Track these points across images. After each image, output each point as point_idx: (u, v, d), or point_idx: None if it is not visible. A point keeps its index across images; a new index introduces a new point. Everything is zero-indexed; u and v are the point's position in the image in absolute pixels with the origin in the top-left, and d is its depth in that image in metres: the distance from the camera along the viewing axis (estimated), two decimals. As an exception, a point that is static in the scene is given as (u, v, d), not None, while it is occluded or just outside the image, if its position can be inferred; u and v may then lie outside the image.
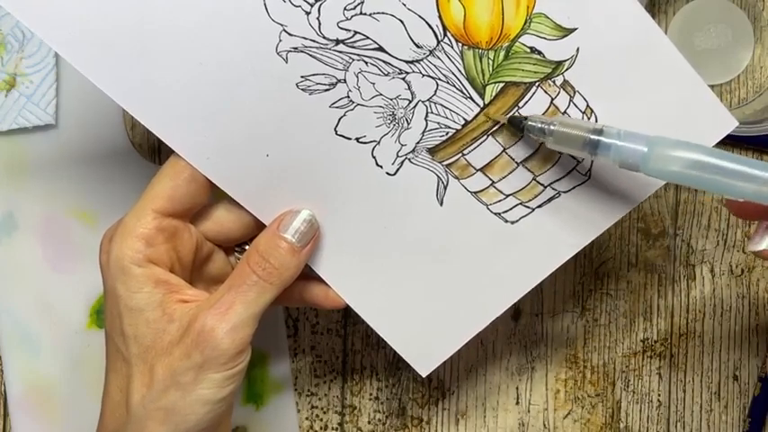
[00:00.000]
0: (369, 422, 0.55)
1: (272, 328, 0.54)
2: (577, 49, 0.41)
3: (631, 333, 0.55)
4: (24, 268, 0.53)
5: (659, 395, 0.55)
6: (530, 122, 0.40)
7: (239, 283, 0.40)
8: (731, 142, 0.54)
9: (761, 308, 0.55)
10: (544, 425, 0.55)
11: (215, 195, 0.42)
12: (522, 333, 0.55)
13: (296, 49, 0.39)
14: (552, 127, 0.40)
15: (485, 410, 0.55)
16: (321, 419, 0.55)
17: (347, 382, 0.55)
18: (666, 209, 0.54)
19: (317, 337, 0.55)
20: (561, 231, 0.44)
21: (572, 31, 0.40)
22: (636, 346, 0.55)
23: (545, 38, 0.40)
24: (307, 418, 0.55)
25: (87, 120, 0.53)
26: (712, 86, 0.55)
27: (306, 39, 0.39)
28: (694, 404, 0.55)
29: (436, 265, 0.44)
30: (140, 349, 0.39)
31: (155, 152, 0.53)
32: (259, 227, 0.43)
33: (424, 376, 0.46)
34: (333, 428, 0.55)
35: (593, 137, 0.39)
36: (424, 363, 0.45)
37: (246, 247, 0.44)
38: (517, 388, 0.55)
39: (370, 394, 0.55)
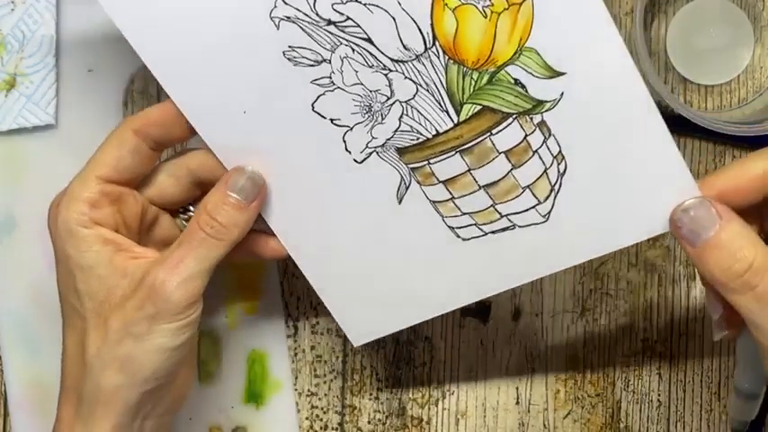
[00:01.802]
0: (369, 422, 0.55)
1: (272, 328, 0.54)
2: (561, 94, 0.40)
3: (631, 333, 0.55)
4: (24, 268, 0.53)
5: (659, 395, 0.55)
6: None
7: (189, 239, 0.41)
8: (732, 142, 0.54)
9: (761, 308, 0.55)
10: (544, 425, 0.55)
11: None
12: (522, 333, 0.55)
13: (289, 18, 0.40)
14: None
15: (485, 410, 0.55)
16: (321, 419, 0.55)
17: (347, 382, 0.55)
18: (666, 209, 0.54)
19: (316, 337, 0.55)
20: (510, 261, 0.44)
21: (560, 74, 0.40)
22: (636, 346, 0.55)
23: (532, 74, 0.40)
24: (307, 418, 0.55)
25: (87, 120, 0.53)
26: (712, 86, 0.55)
27: (300, 11, 0.40)
28: (694, 404, 0.55)
29: (385, 254, 0.45)
30: (94, 304, 0.41)
31: (155, 152, 0.53)
32: (200, 190, 0.45)
33: (356, 346, 0.48)
34: (333, 428, 0.55)
35: None
36: (358, 334, 0.47)
37: (191, 208, 0.46)
38: (517, 388, 0.55)
39: (370, 394, 0.55)
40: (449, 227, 0.44)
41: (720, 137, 0.53)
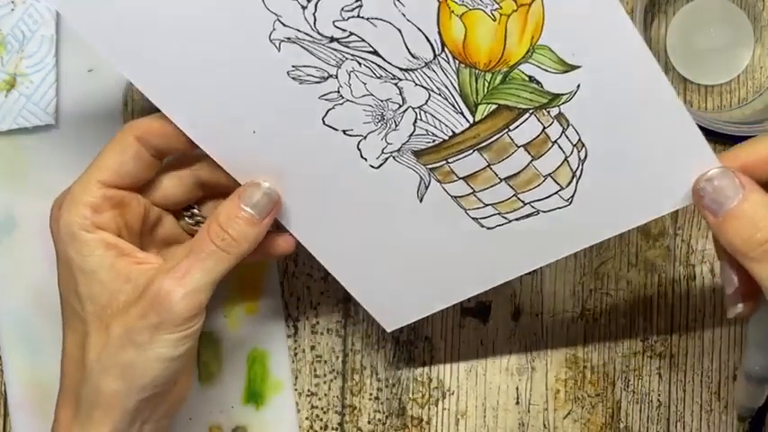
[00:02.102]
0: (369, 422, 0.55)
1: (272, 328, 0.54)
2: (578, 86, 0.40)
3: (631, 333, 0.55)
4: (24, 268, 0.53)
5: (659, 395, 0.55)
6: None
7: (198, 250, 0.41)
8: (732, 142, 0.54)
9: (761, 308, 0.55)
10: (544, 425, 0.55)
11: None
12: (522, 333, 0.55)
13: (289, 39, 0.39)
14: None
15: (485, 410, 0.55)
16: (321, 419, 0.55)
17: (347, 382, 0.55)
18: (666, 209, 0.54)
19: (316, 337, 0.55)
20: (535, 245, 0.44)
21: (575, 67, 0.39)
22: (636, 346, 0.55)
23: (546, 70, 0.39)
24: (307, 418, 0.55)
25: (87, 120, 0.53)
26: (712, 86, 0.55)
27: (300, 31, 0.39)
28: (694, 404, 0.55)
29: (411, 248, 0.45)
30: (96, 308, 0.41)
31: (155, 152, 0.53)
32: (203, 191, 0.45)
33: (389, 331, 0.48)
34: (333, 428, 0.55)
35: None
36: (390, 321, 0.48)
37: (195, 208, 0.46)
38: (517, 388, 0.55)
39: (370, 394, 0.55)
40: (472, 218, 0.44)
41: (720, 137, 0.53)
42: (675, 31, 0.54)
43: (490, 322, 0.55)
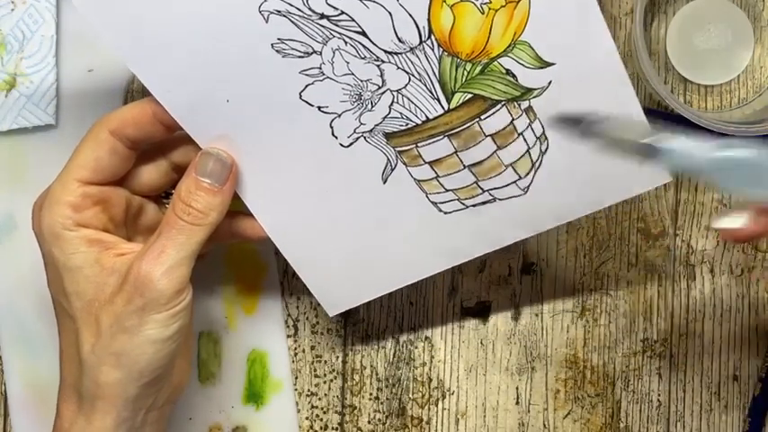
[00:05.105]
0: (369, 422, 0.55)
1: (272, 327, 0.54)
2: (549, 83, 0.42)
3: (631, 333, 0.55)
4: (24, 268, 0.53)
5: (659, 395, 0.55)
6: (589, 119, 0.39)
7: (168, 228, 0.41)
8: (731, 142, 0.54)
9: (761, 308, 0.55)
10: (544, 425, 0.55)
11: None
12: (522, 333, 0.55)
13: (279, 12, 0.40)
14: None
15: (485, 410, 0.55)
16: (321, 419, 0.55)
17: (347, 382, 0.55)
18: (666, 209, 0.54)
19: (316, 337, 0.55)
20: (488, 230, 0.46)
21: (550, 65, 0.41)
22: (636, 346, 0.55)
23: (523, 64, 0.41)
24: (307, 418, 0.55)
25: (87, 120, 0.53)
26: (712, 86, 0.55)
27: (291, 5, 0.40)
28: (694, 404, 0.55)
29: (366, 229, 0.46)
30: (83, 303, 0.41)
31: (155, 152, 0.53)
32: (179, 173, 0.44)
33: (331, 316, 0.48)
34: (333, 428, 0.55)
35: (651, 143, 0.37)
36: (334, 305, 0.48)
37: (173, 193, 0.46)
38: (517, 388, 0.55)
39: (370, 394, 0.55)
40: (432, 202, 0.45)
41: (720, 137, 0.52)
42: (675, 31, 0.54)
43: (490, 322, 0.55)
